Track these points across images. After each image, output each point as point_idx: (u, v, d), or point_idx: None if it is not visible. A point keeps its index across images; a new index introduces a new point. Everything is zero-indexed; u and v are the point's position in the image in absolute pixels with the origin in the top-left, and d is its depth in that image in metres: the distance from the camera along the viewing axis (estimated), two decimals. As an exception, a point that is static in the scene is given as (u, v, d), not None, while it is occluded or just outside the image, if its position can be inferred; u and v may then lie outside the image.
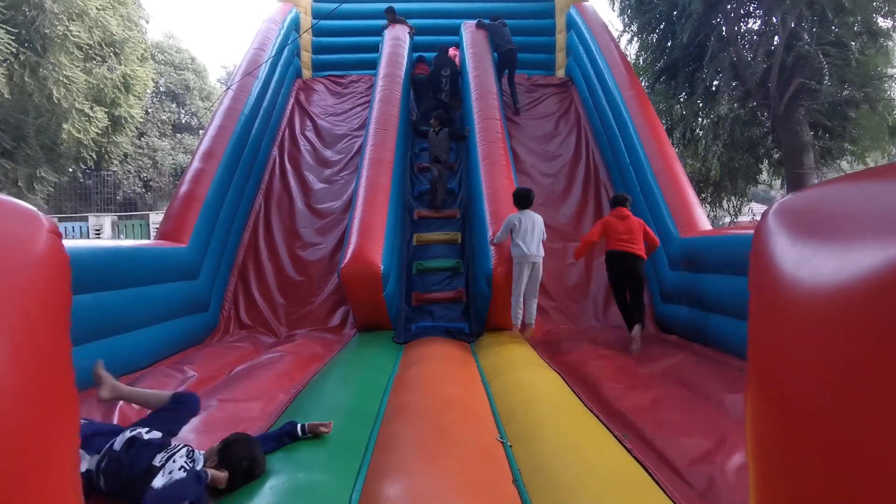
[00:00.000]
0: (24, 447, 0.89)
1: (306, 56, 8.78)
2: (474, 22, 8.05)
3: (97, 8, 12.47)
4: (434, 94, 7.60)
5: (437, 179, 6.24)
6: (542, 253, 4.32)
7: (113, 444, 1.95)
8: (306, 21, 8.76)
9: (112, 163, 16.04)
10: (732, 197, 12.33)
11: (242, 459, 1.92)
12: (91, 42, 12.55)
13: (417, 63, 8.03)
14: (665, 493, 1.98)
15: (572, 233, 5.99)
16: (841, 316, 0.70)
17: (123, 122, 14.20)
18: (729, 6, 9.58)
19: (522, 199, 4.44)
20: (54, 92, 11.65)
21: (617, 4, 11.31)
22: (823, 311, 0.74)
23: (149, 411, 2.31)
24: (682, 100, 11.18)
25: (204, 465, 1.93)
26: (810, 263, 0.79)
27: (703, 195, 11.69)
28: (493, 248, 4.51)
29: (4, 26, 10.71)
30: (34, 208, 1.07)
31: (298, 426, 2.28)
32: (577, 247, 4.79)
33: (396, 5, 8.47)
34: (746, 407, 0.99)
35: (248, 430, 2.60)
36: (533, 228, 4.30)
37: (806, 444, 0.75)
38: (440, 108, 7.29)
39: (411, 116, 7.35)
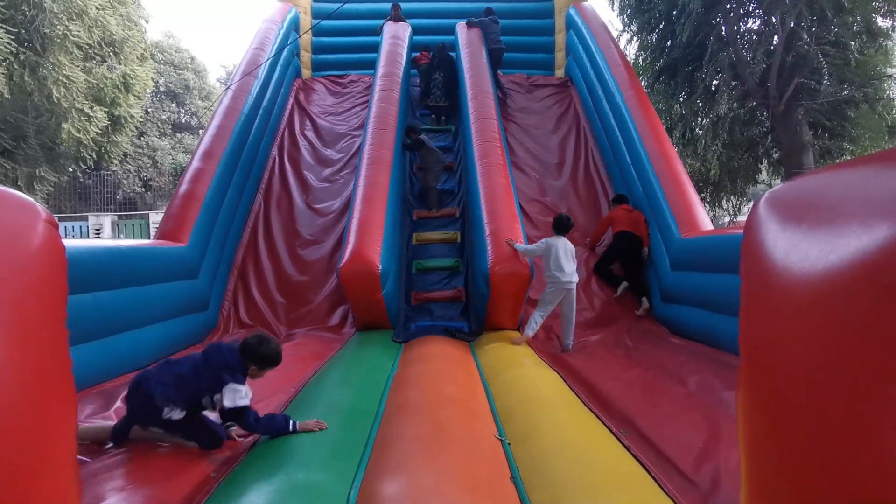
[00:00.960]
0: (21, 438, 0.89)
1: (306, 56, 8.79)
2: (469, 25, 8.05)
3: (97, 7, 12.49)
4: (427, 98, 7.65)
5: (424, 182, 6.34)
6: (576, 278, 4.35)
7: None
8: (306, 21, 8.77)
9: (112, 162, 16.06)
10: (732, 196, 12.36)
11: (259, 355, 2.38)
12: (91, 42, 12.56)
13: (420, 53, 8.09)
14: (663, 490, 1.97)
15: (571, 232, 5.98)
16: (827, 299, 0.70)
17: (123, 121, 14.22)
18: (728, 6, 9.60)
19: (560, 226, 4.44)
20: (54, 91, 11.67)
21: (616, 4, 11.33)
22: (811, 295, 0.74)
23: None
24: (681, 99, 11.20)
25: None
26: (798, 250, 0.79)
27: (703, 195, 11.71)
28: (490, 247, 4.50)
29: (4, 26, 10.72)
30: (31, 199, 1.07)
31: (291, 423, 2.32)
32: (593, 237, 5.89)
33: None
34: (739, 398, 0.99)
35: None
36: (566, 255, 4.32)
37: (797, 433, 0.75)
38: (428, 112, 7.57)
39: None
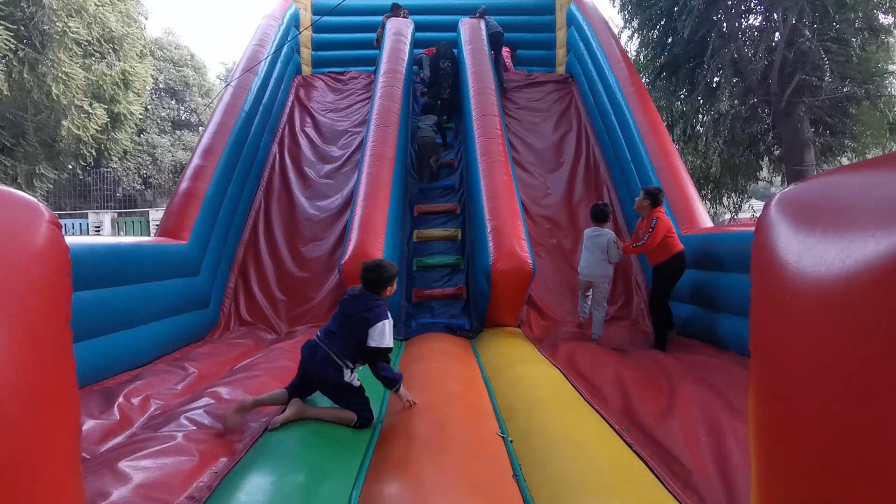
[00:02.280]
0: (24, 439, 0.89)
1: (306, 52, 8.77)
2: (471, 18, 8.02)
3: (96, 4, 12.46)
4: (437, 92, 7.60)
5: (423, 145, 6.41)
6: (599, 272, 4.40)
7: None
8: (306, 17, 8.74)
9: (111, 159, 16.04)
10: (733, 194, 12.34)
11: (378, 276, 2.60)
12: (90, 38, 12.53)
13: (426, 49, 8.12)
14: (666, 487, 1.97)
15: (570, 228, 5.99)
16: (844, 304, 0.69)
17: (123, 118, 14.21)
18: (730, 2, 9.58)
19: (595, 214, 4.52)
20: (53, 88, 11.64)
21: (617, 0, 11.29)
22: (826, 299, 0.73)
23: None
24: (682, 96, 11.18)
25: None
26: (812, 253, 0.78)
27: (704, 192, 11.69)
28: (492, 244, 4.50)
29: (3, 22, 10.69)
30: (34, 199, 1.06)
31: (399, 384, 2.56)
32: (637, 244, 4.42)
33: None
34: (749, 399, 0.98)
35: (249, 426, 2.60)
36: (593, 247, 4.37)
37: (809, 437, 0.75)
38: (438, 105, 7.50)
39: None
